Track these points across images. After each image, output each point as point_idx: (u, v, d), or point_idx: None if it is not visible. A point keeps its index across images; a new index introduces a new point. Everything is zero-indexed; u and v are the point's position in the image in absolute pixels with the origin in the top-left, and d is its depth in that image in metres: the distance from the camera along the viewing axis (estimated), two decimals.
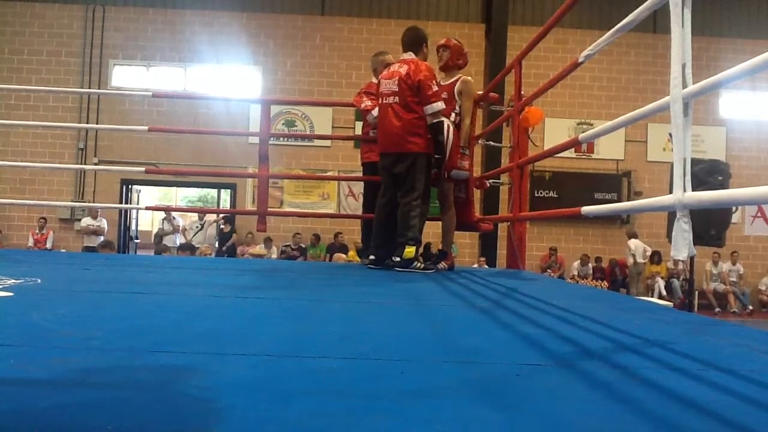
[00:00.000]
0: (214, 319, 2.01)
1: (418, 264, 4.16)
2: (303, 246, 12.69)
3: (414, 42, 4.34)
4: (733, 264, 13.16)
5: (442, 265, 4.48)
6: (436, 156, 4.20)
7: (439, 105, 4.11)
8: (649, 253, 12.58)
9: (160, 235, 12.34)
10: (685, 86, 1.81)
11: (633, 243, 12.44)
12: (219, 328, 1.82)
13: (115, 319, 1.90)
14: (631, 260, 12.42)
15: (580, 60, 3.02)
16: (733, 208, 8.58)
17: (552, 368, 1.45)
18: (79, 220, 12.38)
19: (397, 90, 4.19)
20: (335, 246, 12.55)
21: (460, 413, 1.05)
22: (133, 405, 1.03)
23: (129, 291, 2.68)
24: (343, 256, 11.26)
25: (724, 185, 6.11)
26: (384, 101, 4.31)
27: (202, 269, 4.23)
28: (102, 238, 11.73)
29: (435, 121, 4.11)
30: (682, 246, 1.75)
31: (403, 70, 4.19)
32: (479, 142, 5.73)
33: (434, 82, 4.16)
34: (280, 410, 1.03)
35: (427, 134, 4.17)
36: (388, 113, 4.26)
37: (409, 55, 4.30)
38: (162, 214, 12.68)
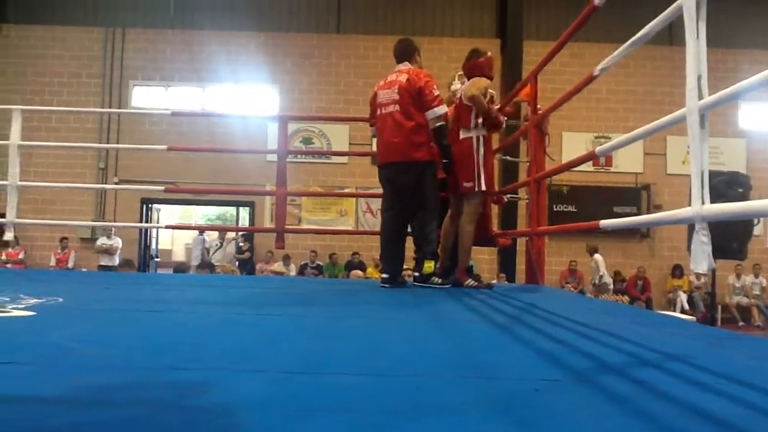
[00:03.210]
0: (233, 336, 2.02)
1: (437, 279, 4.14)
2: (320, 264, 12.70)
3: (407, 53, 4.38)
4: (756, 277, 12.95)
5: (473, 282, 4.37)
6: (444, 161, 4.18)
7: (442, 109, 4.12)
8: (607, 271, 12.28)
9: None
10: (701, 98, 1.80)
11: (598, 258, 12.14)
12: (238, 345, 1.83)
13: (135, 337, 1.91)
14: (597, 278, 12.08)
15: (595, 73, 3.01)
16: (756, 221, 8.47)
17: (571, 383, 1.44)
18: None
19: (397, 98, 4.18)
20: (353, 263, 12.54)
21: (478, 429, 1.04)
22: (151, 422, 1.04)
23: (149, 309, 2.70)
24: (360, 273, 11.24)
25: (744, 197, 6.04)
26: (383, 111, 4.28)
27: (221, 287, 4.24)
28: (116, 257, 11.83)
29: (438, 125, 4.10)
30: (701, 259, 1.74)
31: (403, 78, 4.20)
32: (496, 156, 5.72)
33: (434, 87, 4.15)
34: (298, 427, 1.03)
35: (429, 141, 4.15)
36: (388, 123, 4.23)
37: (405, 65, 4.32)
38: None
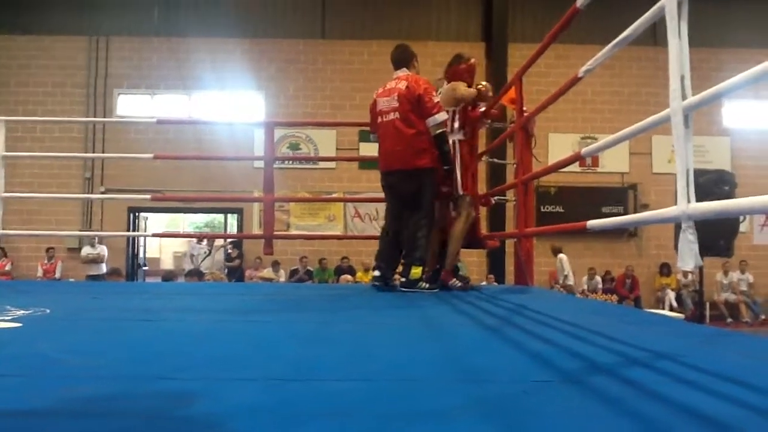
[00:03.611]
0: (222, 344, 2.01)
1: (424, 284, 4.14)
2: (310, 269, 12.69)
3: (405, 58, 4.39)
4: (742, 273, 13.04)
5: (458, 283, 4.39)
6: (445, 168, 4.21)
7: (442, 116, 4.13)
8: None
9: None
10: (684, 98, 1.81)
11: (563, 258, 12.15)
12: (227, 352, 1.82)
13: (123, 347, 1.90)
14: (561, 278, 12.09)
15: (579, 75, 3.03)
16: (741, 218, 8.54)
17: (560, 384, 1.44)
18: None
19: (397, 105, 4.19)
20: (343, 268, 12.54)
21: None
22: None
23: (137, 318, 2.68)
24: (350, 277, 11.23)
25: (730, 195, 6.10)
26: (384, 119, 4.29)
27: (210, 295, 4.22)
28: (103, 266, 11.76)
29: (438, 131, 4.12)
30: (688, 257, 1.75)
31: (402, 85, 4.21)
32: (483, 159, 5.74)
33: (434, 94, 4.18)
34: None
35: (431, 148, 4.16)
36: (389, 131, 4.24)
37: (403, 72, 4.34)
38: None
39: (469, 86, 4.53)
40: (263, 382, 1.42)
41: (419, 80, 4.22)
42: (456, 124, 4.42)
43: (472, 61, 4.60)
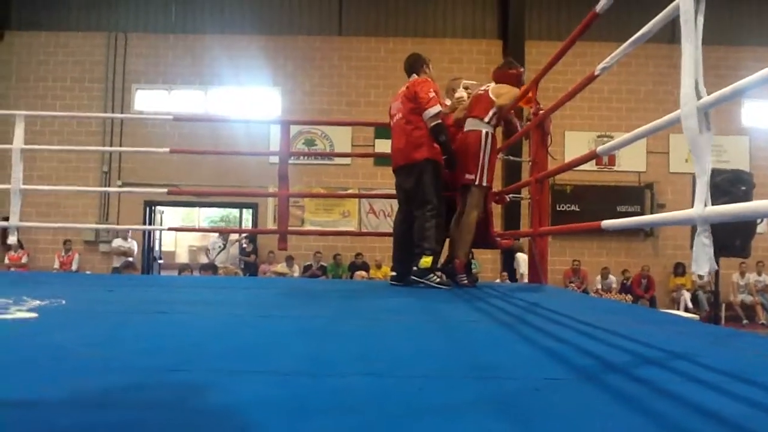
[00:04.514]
0: (235, 337, 2.02)
1: (435, 278, 4.14)
2: (324, 265, 12.71)
3: (415, 66, 4.54)
4: (759, 274, 12.88)
5: (466, 280, 4.41)
6: (444, 157, 4.31)
7: (436, 109, 4.23)
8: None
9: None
10: (699, 98, 1.79)
11: (519, 256, 11.85)
12: (239, 346, 1.83)
13: (137, 339, 1.91)
14: (519, 275, 11.79)
15: (596, 73, 3.01)
16: (759, 219, 8.45)
17: (573, 382, 1.43)
18: (105, 242, 12.59)
19: (401, 107, 4.42)
20: (357, 264, 12.55)
21: (479, 429, 1.04)
22: (152, 424, 1.04)
23: (151, 311, 2.70)
24: (364, 273, 11.24)
25: (747, 195, 6.02)
26: (393, 122, 4.54)
27: (223, 289, 4.25)
28: (132, 260, 11.86)
29: (433, 123, 4.23)
30: (702, 261, 1.73)
31: (405, 87, 4.45)
32: (498, 156, 5.72)
33: (430, 90, 4.28)
34: (299, 427, 1.03)
35: (429, 142, 4.29)
36: (396, 131, 4.47)
37: (413, 77, 4.50)
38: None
39: None
40: (274, 376, 1.42)
41: (419, 80, 4.39)
42: (495, 117, 4.50)
43: (522, 69, 4.79)
